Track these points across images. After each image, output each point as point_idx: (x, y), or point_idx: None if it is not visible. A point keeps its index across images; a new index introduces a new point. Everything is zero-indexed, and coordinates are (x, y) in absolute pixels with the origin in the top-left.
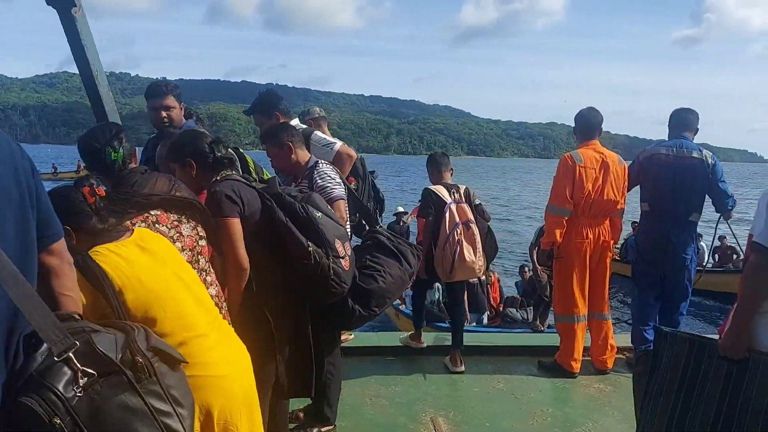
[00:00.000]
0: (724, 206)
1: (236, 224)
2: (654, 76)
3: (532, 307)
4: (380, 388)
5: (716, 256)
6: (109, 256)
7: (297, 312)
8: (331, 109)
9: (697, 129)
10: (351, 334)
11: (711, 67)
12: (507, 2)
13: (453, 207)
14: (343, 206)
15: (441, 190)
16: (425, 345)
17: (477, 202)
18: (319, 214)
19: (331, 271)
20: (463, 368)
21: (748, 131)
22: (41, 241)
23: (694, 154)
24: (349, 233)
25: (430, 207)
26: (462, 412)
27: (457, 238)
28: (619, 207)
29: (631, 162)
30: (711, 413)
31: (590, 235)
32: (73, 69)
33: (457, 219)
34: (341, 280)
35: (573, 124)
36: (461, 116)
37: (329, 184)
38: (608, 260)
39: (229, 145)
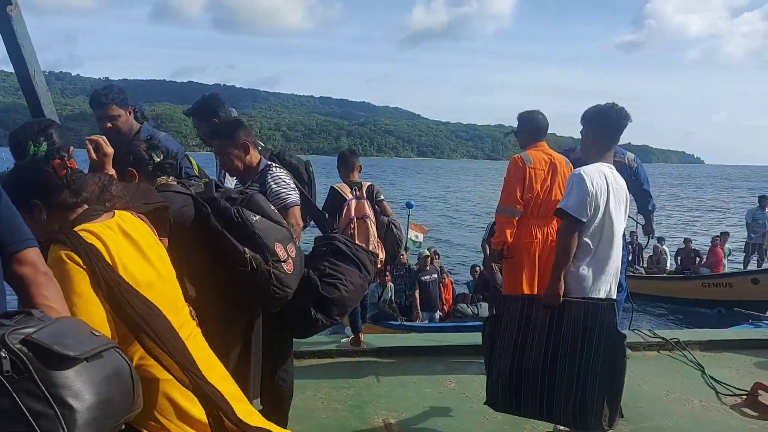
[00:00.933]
0: (645, 207)
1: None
2: (598, 79)
3: (482, 303)
4: (332, 391)
5: (679, 259)
6: (90, 238)
7: (242, 319)
8: (280, 111)
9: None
10: (363, 345)
11: (651, 71)
12: (457, 5)
13: (352, 203)
14: (298, 212)
15: (344, 188)
16: (365, 348)
17: (380, 198)
18: (257, 217)
19: (273, 277)
20: (364, 347)
21: (685, 133)
22: (6, 248)
23: (617, 158)
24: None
25: (333, 203)
26: (414, 414)
27: (350, 231)
28: None
29: None
30: (541, 351)
31: (539, 236)
32: (10, 68)
33: (353, 214)
34: (284, 284)
35: None
36: (411, 118)
37: (284, 190)
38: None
39: (165, 149)
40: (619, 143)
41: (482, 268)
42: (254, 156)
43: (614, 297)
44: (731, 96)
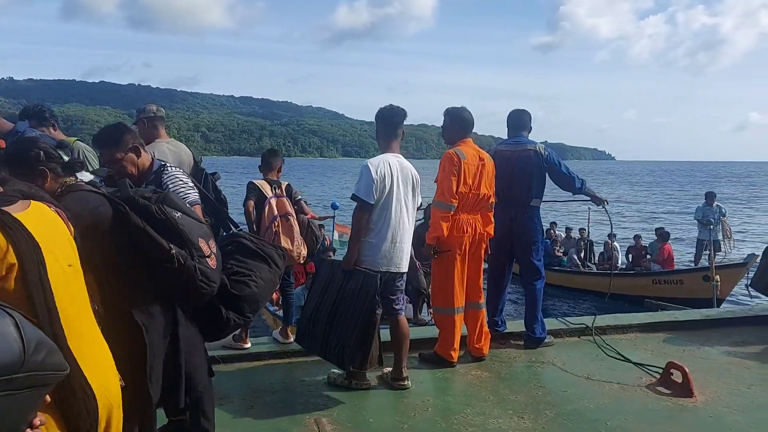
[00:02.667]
0: (572, 186)
1: None
2: (516, 80)
3: (408, 303)
4: (261, 393)
5: (630, 256)
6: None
7: (165, 317)
8: (199, 111)
9: (531, 127)
10: (248, 342)
11: (565, 72)
12: (380, 6)
13: (273, 201)
14: (200, 211)
15: (264, 186)
16: (291, 341)
17: (298, 198)
18: (179, 214)
19: (198, 272)
20: (291, 340)
21: (597, 131)
22: None
23: (529, 147)
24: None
25: (253, 197)
26: (345, 411)
27: (275, 229)
28: (491, 201)
29: None
30: (331, 302)
31: (468, 229)
32: None
33: (276, 212)
34: (210, 279)
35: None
36: (335, 117)
37: (182, 189)
38: (482, 252)
39: (73, 149)
40: (537, 141)
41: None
42: (146, 158)
43: (404, 269)
44: (639, 95)
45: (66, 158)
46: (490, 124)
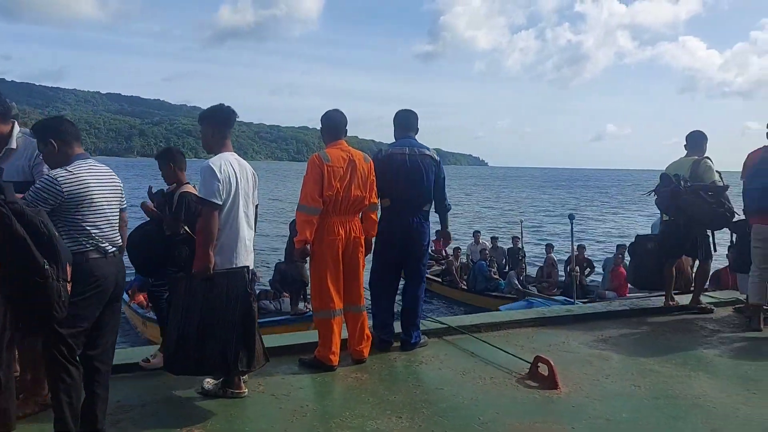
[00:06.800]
0: (443, 203)
1: None
2: (398, 86)
3: (284, 298)
4: (129, 407)
5: (576, 268)
6: None
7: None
8: (61, 108)
9: (418, 128)
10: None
11: (446, 80)
12: (265, 7)
13: None
14: None
15: (193, 189)
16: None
17: None
18: (56, 233)
19: (61, 295)
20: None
21: (474, 138)
22: None
23: (426, 152)
24: None
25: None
26: (219, 421)
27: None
28: (367, 202)
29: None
30: (198, 316)
31: (341, 232)
32: None
33: None
34: (65, 305)
35: None
36: None
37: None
38: (361, 255)
39: None
40: (429, 146)
41: (283, 264)
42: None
43: (250, 265)
44: (512, 105)
45: None
46: (374, 128)
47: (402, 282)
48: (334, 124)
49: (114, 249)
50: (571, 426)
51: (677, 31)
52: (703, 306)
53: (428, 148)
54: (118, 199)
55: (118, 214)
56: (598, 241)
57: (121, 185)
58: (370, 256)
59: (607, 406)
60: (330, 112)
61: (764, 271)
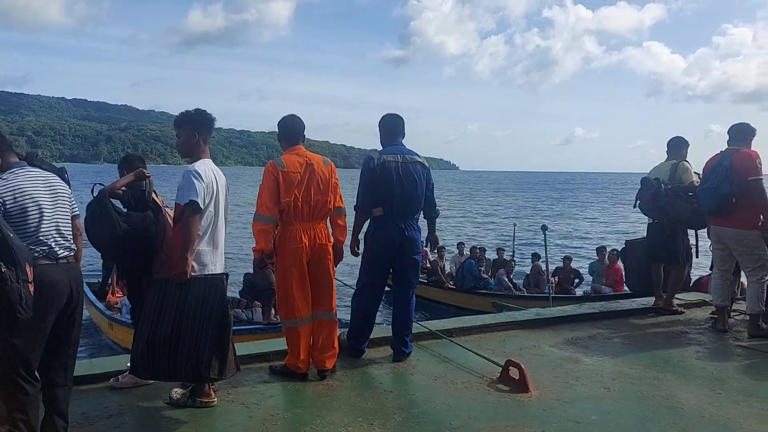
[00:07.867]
0: (431, 211)
1: None
2: (369, 91)
3: (256, 308)
4: (95, 419)
5: (556, 278)
6: None
7: None
8: (24, 114)
9: (405, 133)
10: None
11: (416, 85)
12: (236, 12)
13: (168, 210)
14: None
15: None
16: None
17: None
18: (12, 234)
19: (22, 297)
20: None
21: (445, 142)
22: None
23: (418, 159)
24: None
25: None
26: (190, 431)
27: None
28: (330, 206)
29: (348, 168)
30: (171, 320)
31: (305, 240)
32: None
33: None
34: (29, 306)
35: None
36: None
37: None
38: (329, 262)
39: None
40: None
41: (251, 275)
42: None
43: (225, 270)
44: (481, 109)
45: None
46: (343, 133)
47: (390, 290)
48: (290, 129)
49: (66, 254)
50: (541, 429)
51: (642, 36)
52: (674, 308)
53: (418, 155)
54: (67, 204)
55: (69, 220)
56: (576, 247)
57: (69, 191)
58: (355, 261)
59: (578, 408)
60: (286, 117)
61: (725, 273)
